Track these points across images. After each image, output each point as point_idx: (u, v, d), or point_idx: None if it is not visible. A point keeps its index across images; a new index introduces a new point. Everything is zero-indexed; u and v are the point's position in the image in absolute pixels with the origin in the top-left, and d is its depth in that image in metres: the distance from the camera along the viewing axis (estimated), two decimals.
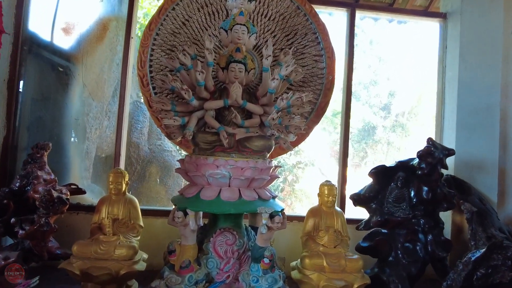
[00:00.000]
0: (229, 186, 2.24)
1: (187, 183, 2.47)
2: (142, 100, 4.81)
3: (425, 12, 3.67)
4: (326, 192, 2.56)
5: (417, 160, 2.73)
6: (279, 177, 2.50)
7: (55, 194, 2.47)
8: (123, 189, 2.61)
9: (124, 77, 3.17)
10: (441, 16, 3.51)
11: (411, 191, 2.82)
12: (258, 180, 2.24)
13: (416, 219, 2.74)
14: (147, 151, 4.93)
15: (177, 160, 2.55)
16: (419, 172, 2.64)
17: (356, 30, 3.50)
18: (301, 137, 2.93)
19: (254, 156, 2.33)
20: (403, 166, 2.88)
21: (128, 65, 3.20)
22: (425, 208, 2.79)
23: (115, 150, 3.24)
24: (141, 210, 2.69)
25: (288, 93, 2.51)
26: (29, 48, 3.24)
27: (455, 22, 3.37)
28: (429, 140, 2.68)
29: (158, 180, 4.46)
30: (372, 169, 2.89)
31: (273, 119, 2.28)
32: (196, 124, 2.48)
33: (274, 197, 2.41)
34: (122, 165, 3.31)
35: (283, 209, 2.33)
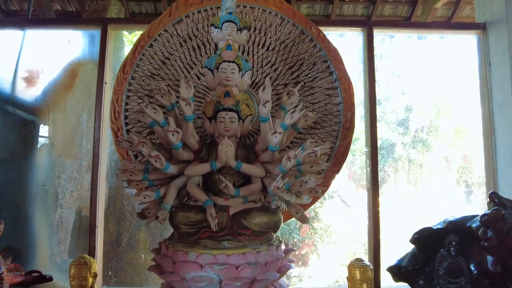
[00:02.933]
0: None
1: None
2: None
3: (459, 25, 3.04)
4: (358, 276, 1.88)
5: (477, 223, 2.02)
6: (293, 267, 1.84)
7: None
8: (89, 285, 1.99)
9: (97, 132, 2.63)
10: (479, 27, 2.86)
11: (471, 261, 2.11)
12: (262, 281, 1.58)
13: None
14: None
15: (151, 251, 1.92)
16: (486, 244, 1.92)
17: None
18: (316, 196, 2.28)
19: (254, 242, 1.69)
20: (456, 227, 2.17)
21: (102, 117, 2.65)
22: (492, 282, 2.07)
23: (90, 209, 2.65)
24: None
25: (296, 149, 1.89)
26: None
27: (500, 33, 2.71)
28: (494, 196, 1.97)
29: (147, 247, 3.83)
30: (415, 234, 2.19)
31: (278, 187, 1.64)
32: (176, 196, 1.87)
33: None
34: (101, 223, 2.70)
35: None
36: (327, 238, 6.90)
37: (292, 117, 1.74)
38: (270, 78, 2.44)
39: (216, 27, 2.05)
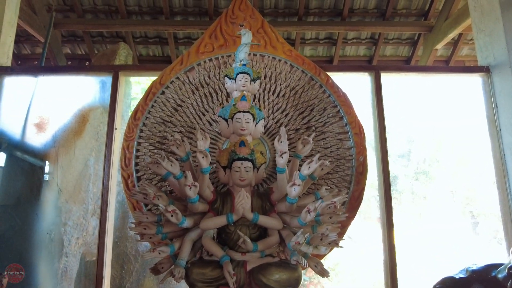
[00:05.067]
0: None
1: None
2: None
3: (463, 68, 3.12)
4: None
5: (503, 273, 1.95)
6: None
7: None
8: None
9: (106, 179, 2.59)
10: (483, 70, 2.92)
11: None
12: None
13: None
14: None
15: None
16: None
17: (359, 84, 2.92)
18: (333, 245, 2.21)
19: None
20: (480, 277, 2.09)
21: (112, 163, 2.63)
22: None
23: (97, 258, 2.56)
24: None
25: (315, 197, 1.87)
26: None
27: (504, 76, 2.77)
28: None
29: None
30: (437, 285, 2.10)
31: (299, 243, 1.59)
32: (191, 250, 1.81)
33: None
34: (107, 274, 2.60)
35: None
36: (335, 277, 6.66)
37: (309, 167, 1.72)
38: (281, 123, 2.45)
39: (230, 78, 2.09)
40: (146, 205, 2.32)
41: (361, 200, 2.42)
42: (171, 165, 1.72)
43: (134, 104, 4.91)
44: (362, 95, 3.16)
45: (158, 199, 1.68)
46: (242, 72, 2.04)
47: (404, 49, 4.62)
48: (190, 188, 1.63)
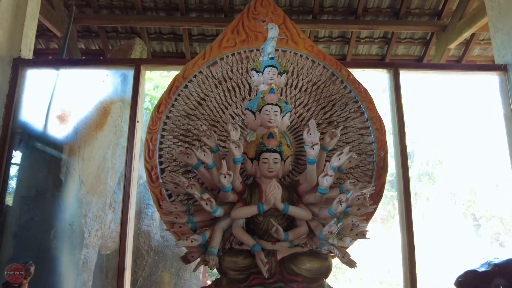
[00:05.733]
0: None
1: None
2: None
3: (481, 66, 3.14)
4: None
5: None
6: None
7: None
8: None
9: (128, 171, 2.62)
10: (500, 68, 2.95)
11: None
12: None
13: None
14: (159, 240, 4.24)
15: None
16: None
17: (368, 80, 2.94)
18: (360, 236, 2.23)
19: None
20: (503, 270, 2.12)
21: (133, 156, 2.65)
22: None
23: (119, 250, 2.57)
24: None
25: (340, 190, 1.89)
26: (20, 140, 2.78)
27: None
28: None
29: (173, 286, 3.70)
30: (459, 278, 2.13)
31: (332, 232, 1.61)
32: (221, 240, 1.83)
33: None
34: (129, 265, 2.62)
35: None
36: (341, 276, 6.68)
37: (339, 159, 1.75)
38: (303, 118, 2.48)
39: (257, 71, 2.11)
40: (169, 197, 2.35)
41: (382, 195, 2.45)
42: (204, 154, 1.74)
43: (146, 100, 4.92)
44: (376, 93, 3.20)
45: (192, 187, 1.70)
46: (269, 66, 2.06)
47: (416, 48, 4.65)
48: (225, 177, 1.66)
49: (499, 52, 3.06)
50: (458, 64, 3.11)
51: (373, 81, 3.21)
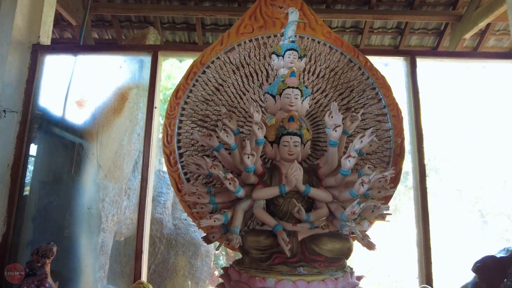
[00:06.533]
0: None
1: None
2: (165, 169, 4.29)
3: (498, 54, 3.10)
4: None
5: None
6: None
7: None
8: None
9: (146, 156, 2.64)
10: None
11: None
12: None
13: None
14: (171, 228, 4.29)
15: (219, 276, 1.88)
16: None
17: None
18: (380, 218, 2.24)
19: (330, 269, 1.65)
20: None
21: (152, 140, 2.68)
22: None
23: (137, 233, 2.61)
24: None
25: (358, 175, 1.90)
26: (39, 125, 2.82)
27: None
28: None
29: (187, 273, 3.75)
30: (477, 263, 2.14)
31: (354, 213, 1.62)
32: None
33: None
34: (146, 249, 2.65)
35: None
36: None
37: (361, 141, 1.75)
38: (321, 104, 2.48)
39: (278, 55, 2.12)
40: (188, 181, 2.38)
41: (398, 181, 2.45)
42: (227, 136, 1.76)
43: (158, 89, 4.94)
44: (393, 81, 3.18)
45: (215, 168, 1.72)
46: (290, 49, 2.06)
47: (430, 39, 4.61)
48: (248, 157, 1.68)
49: None
50: (475, 52, 3.07)
51: (389, 69, 3.20)
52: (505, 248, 2.19)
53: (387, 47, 4.63)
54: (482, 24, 3.78)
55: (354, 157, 1.68)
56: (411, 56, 2.86)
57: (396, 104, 2.52)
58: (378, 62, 2.97)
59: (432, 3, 4.28)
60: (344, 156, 1.71)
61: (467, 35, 4.00)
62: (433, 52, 2.98)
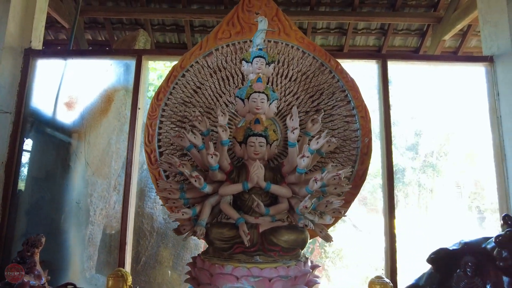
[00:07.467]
0: None
1: None
2: None
3: (467, 57, 3.24)
4: None
5: (492, 244, 2.13)
6: (319, 282, 1.96)
7: None
8: None
9: (130, 154, 2.83)
10: (487, 59, 3.06)
11: (487, 282, 2.19)
12: None
13: None
14: (161, 222, 4.48)
15: (187, 264, 2.07)
16: (501, 264, 2.03)
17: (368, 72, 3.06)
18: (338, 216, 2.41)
19: (284, 258, 1.83)
20: (471, 249, 2.27)
21: (135, 140, 2.86)
22: None
23: (121, 226, 2.80)
24: None
25: (321, 172, 2.06)
26: (31, 125, 3.01)
27: (507, 65, 2.91)
28: (507, 218, 2.10)
29: (171, 264, 3.94)
30: (431, 254, 2.29)
31: (306, 207, 1.79)
32: (209, 214, 2.03)
33: None
34: (130, 241, 2.84)
35: None
36: (339, 262, 6.89)
37: (317, 142, 1.92)
38: (293, 106, 2.64)
39: (247, 61, 2.28)
40: (167, 177, 2.55)
41: (365, 178, 2.61)
42: (194, 137, 1.93)
43: (151, 89, 5.12)
44: (372, 85, 3.33)
45: (183, 166, 1.90)
46: (258, 56, 2.23)
47: (413, 39, 4.73)
48: (212, 157, 1.85)
49: (487, 44, 3.16)
50: (446, 55, 3.19)
51: (370, 73, 3.34)
52: (459, 241, 2.34)
53: (371, 47, 4.76)
54: (459, 26, 3.91)
55: (307, 157, 1.85)
56: (382, 59, 3.01)
57: (365, 105, 2.67)
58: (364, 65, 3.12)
59: (414, 5, 4.41)
60: (299, 156, 1.88)
61: (446, 37, 4.12)
62: (405, 55, 3.11)
